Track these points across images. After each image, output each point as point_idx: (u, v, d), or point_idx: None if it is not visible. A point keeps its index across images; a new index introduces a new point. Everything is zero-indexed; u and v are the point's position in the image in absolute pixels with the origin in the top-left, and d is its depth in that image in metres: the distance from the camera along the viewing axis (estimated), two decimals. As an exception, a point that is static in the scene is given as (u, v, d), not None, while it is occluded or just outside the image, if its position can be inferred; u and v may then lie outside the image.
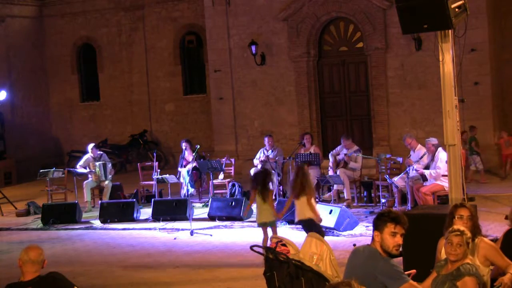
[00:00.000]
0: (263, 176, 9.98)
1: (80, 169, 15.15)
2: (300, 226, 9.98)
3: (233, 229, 12.13)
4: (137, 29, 21.90)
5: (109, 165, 15.30)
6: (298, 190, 9.48)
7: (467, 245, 5.42)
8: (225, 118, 19.05)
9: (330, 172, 14.08)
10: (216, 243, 11.20)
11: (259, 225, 9.95)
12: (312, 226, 9.21)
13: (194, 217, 12.34)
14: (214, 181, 14.65)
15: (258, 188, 9.79)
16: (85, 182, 14.92)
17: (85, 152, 16.08)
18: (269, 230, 9.85)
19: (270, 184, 10.01)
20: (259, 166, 14.72)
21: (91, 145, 15.39)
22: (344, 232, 11.15)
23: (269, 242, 7.89)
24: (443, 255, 5.70)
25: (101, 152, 15.63)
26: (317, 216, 9.49)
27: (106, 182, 14.92)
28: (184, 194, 14.54)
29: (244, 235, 11.45)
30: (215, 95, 19.22)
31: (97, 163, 14.97)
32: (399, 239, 5.07)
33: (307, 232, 9.04)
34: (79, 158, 17.70)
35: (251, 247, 8.37)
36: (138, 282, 9.35)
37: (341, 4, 17.44)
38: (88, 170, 15.01)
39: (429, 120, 16.76)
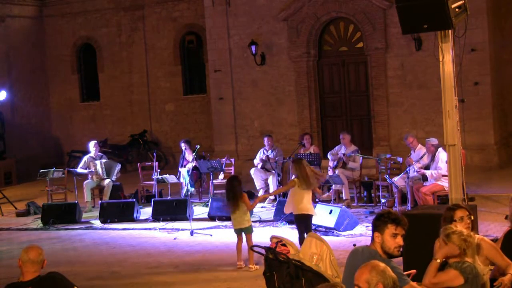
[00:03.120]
0: (230, 184, 9.78)
1: (80, 170, 15.13)
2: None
3: (233, 229, 12.11)
4: (137, 29, 21.89)
5: (118, 167, 15.26)
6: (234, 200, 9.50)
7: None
8: (225, 118, 19.04)
9: (330, 172, 14.07)
10: (216, 243, 11.20)
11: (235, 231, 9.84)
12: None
13: (194, 217, 12.33)
14: (214, 181, 14.64)
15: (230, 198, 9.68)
16: (85, 182, 14.90)
17: (86, 152, 16.06)
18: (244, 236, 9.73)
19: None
20: (259, 166, 14.75)
21: (92, 142, 15.34)
22: (344, 232, 11.17)
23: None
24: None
25: (101, 154, 15.60)
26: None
27: (107, 181, 14.89)
28: (184, 194, 14.55)
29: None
30: (215, 95, 19.22)
31: (97, 161, 14.95)
32: (400, 240, 5.07)
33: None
34: (79, 158, 17.68)
35: (251, 247, 8.38)
36: (138, 282, 9.35)
37: (341, 4, 17.42)
38: (88, 170, 14.99)
39: (429, 120, 16.74)
